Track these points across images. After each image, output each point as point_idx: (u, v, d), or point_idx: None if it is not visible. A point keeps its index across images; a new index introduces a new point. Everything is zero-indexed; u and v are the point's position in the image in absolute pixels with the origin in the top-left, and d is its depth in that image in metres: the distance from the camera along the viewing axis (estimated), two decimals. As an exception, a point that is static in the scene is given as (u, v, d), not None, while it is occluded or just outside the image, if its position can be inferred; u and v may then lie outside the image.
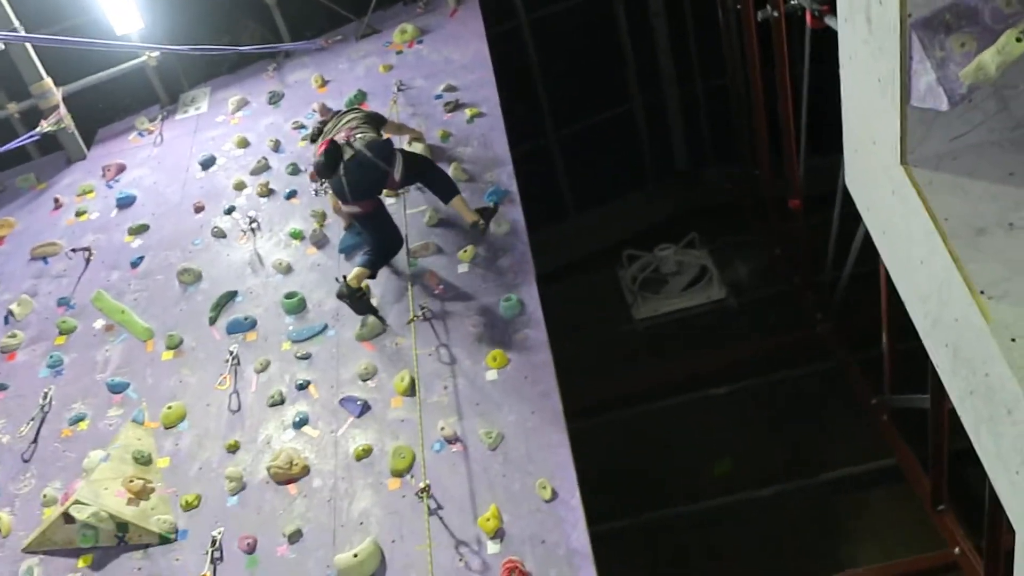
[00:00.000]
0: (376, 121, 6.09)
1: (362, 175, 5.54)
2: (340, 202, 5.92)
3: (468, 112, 7.09)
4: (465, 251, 5.88)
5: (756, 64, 7.84)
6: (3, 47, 7.33)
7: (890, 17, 3.31)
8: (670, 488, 7.38)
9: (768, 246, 9.20)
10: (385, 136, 5.96)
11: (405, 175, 5.76)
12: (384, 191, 5.95)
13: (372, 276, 5.68)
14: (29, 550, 4.90)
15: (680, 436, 7.72)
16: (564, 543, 4.21)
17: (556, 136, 10.31)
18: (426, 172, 6.05)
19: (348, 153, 5.55)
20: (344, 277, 5.60)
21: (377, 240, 5.78)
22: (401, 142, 6.66)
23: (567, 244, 10.27)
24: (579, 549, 4.17)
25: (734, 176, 10.40)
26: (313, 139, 6.20)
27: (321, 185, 6.17)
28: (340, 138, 5.69)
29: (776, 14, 6.72)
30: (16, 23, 7.44)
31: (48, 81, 7.75)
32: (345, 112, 6.18)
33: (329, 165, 5.50)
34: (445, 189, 5.96)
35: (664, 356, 8.74)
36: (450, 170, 6.48)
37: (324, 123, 6.11)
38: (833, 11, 6.16)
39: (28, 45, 7.56)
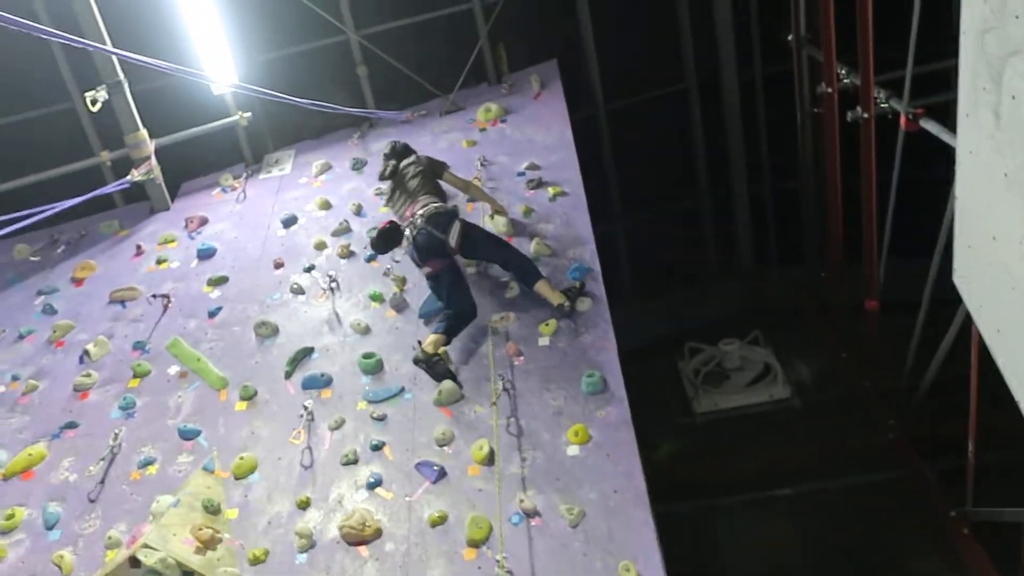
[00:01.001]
0: (434, 170, 6.67)
1: (425, 243, 5.99)
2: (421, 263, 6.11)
3: (551, 191, 7.17)
4: (547, 324, 5.86)
5: (836, 165, 7.87)
6: (107, 97, 7.56)
7: None
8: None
9: (833, 349, 9.07)
10: (449, 207, 6.28)
11: (463, 244, 6.02)
12: (456, 256, 6.13)
13: (447, 343, 5.75)
14: (90, 592, 4.81)
15: (740, 535, 7.47)
16: (649, 630, 4.04)
17: (623, 223, 10.38)
18: (497, 251, 6.23)
19: (412, 230, 6.03)
20: (420, 342, 5.67)
21: (450, 302, 5.91)
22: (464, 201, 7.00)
23: (626, 332, 10.16)
24: (664, 637, 4.00)
25: (798, 277, 10.35)
26: (382, 177, 6.87)
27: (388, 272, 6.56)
28: (407, 215, 6.20)
29: (866, 115, 6.77)
30: (120, 75, 7.72)
31: (143, 132, 7.98)
32: (408, 162, 6.66)
33: (383, 244, 6.07)
34: (526, 272, 6.08)
35: (724, 451, 8.53)
36: (532, 246, 6.53)
37: (391, 158, 6.75)
38: (929, 114, 6.28)
39: (130, 97, 7.81)
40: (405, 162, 6.74)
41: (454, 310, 5.88)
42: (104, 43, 7.54)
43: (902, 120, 6.17)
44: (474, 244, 6.12)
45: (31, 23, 3.60)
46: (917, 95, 6.47)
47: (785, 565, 7.19)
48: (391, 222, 6.10)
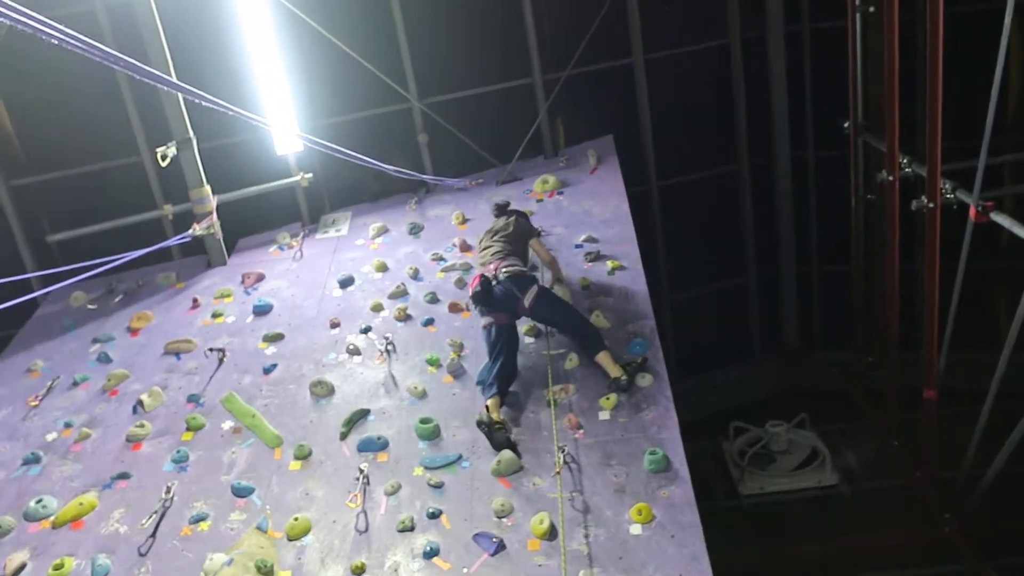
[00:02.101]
0: (526, 234, 6.86)
1: (501, 296, 6.16)
2: (480, 315, 6.30)
3: (609, 264, 7.20)
4: (607, 399, 5.80)
5: (896, 253, 7.84)
6: (176, 153, 7.74)
7: None
8: None
9: (883, 437, 8.90)
10: (529, 272, 6.48)
11: (535, 305, 6.17)
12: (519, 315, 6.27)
13: (502, 402, 5.85)
14: (139, 649, 4.71)
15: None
16: None
17: (670, 300, 10.37)
18: (565, 317, 6.29)
19: (495, 282, 6.20)
20: (487, 407, 5.65)
21: (498, 357, 6.00)
22: (542, 272, 7.08)
23: (668, 409, 10.11)
24: None
25: (844, 361, 10.25)
26: (497, 213, 7.11)
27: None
28: (489, 271, 6.26)
29: (932, 205, 6.76)
30: (191, 133, 7.91)
31: (207, 188, 8.13)
32: (505, 220, 6.85)
33: (483, 295, 6.11)
34: (590, 342, 6.13)
35: (770, 536, 8.33)
36: (591, 318, 6.52)
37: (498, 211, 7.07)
38: (998, 207, 6.26)
39: (198, 156, 7.98)
40: (505, 219, 6.91)
41: (502, 366, 5.96)
42: (178, 104, 7.76)
43: (972, 212, 6.16)
44: (545, 306, 6.26)
45: (142, 65, 3.70)
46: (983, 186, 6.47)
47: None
48: (482, 276, 6.26)
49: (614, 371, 5.92)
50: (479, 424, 5.64)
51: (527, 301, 6.16)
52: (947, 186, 6.69)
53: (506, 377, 5.97)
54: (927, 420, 7.62)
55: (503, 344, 6.05)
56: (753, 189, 10.28)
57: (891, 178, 7.64)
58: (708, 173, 10.19)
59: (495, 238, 6.67)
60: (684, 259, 10.29)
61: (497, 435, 5.56)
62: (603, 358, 6.00)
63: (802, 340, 10.98)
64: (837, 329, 10.65)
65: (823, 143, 9.96)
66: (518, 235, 6.75)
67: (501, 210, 7.11)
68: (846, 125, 8.90)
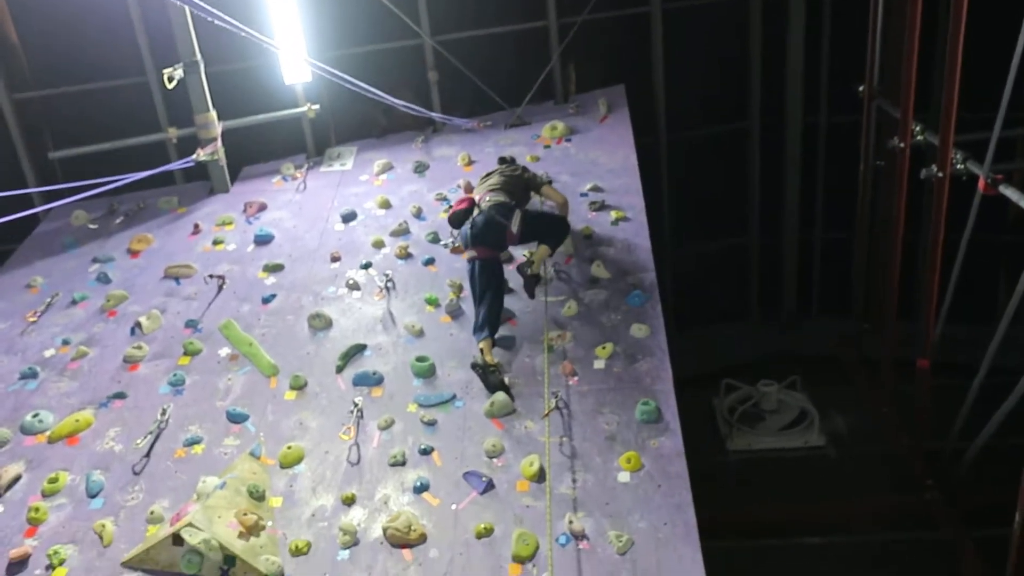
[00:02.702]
0: (530, 182, 6.78)
1: (483, 225, 6.12)
2: (463, 247, 6.30)
3: (613, 214, 7.17)
4: (603, 347, 5.84)
5: (902, 221, 7.82)
6: (183, 75, 7.65)
7: None
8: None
9: (874, 404, 8.98)
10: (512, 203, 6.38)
11: (523, 230, 6.23)
12: (508, 245, 6.38)
13: (493, 342, 5.88)
14: (129, 565, 4.79)
15: (766, 581, 7.39)
16: (695, 668, 3.98)
17: (671, 254, 10.36)
18: (550, 226, 6.45)
19: (476, 211, 6.20)
20: (481, 349, 5.68)
21: (484, 295, 6.00)
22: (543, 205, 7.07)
23: (661, 362, 10.17)
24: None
25: (841, 328, 10.28)
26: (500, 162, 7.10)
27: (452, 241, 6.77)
28: (477, 199, 6.38)
29: (940, 174, 6.72)
30: (199, 56, 7.79)
31: (213, 114, 8.04)
32: (505, 165, 6.84)
33: (461, 216, 6.26)
34: (551, 240, 6.35)
35: (755, 493, 8.45)
36: (591, 268, 6.53)
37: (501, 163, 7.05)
38: (1009, 180, 6.23)
39: (204, 80, 7.87)
40: (509, 167, 6.87)
41: (489, 307, 5.94)
42: (186, 23, 7.64)
43: (980, 184, 6.12)
44: (531, 226, 6.30)
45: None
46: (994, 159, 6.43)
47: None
48: (469, 200, 6.32)
49: (537, 263, 6.24)
50: (474, 366, 5.69)
51: (515, 227, 6.16)
52: (958, 156, 6.65)
53: (495, 317, 5.96)
54: (919, 389, 7.68)
55: (487, 282, 6.04)
56: (762, 149, 10.18)
57: (902, 145, 7.58)
58: (718, 129, 10.09)
59: (492, 176, 6.65)
60: (688, 215, 10.25)
61: (491, 377, 5.60)
62: (542, 251, 6.27)
63: (800, 304, 10.99)
64: (836, 296, 10.67)
65: (836, 107, 9.85)
66: (518, 181, 6.67)
67: (504, 161, 7.06)
68: (861, 89, 8.79)
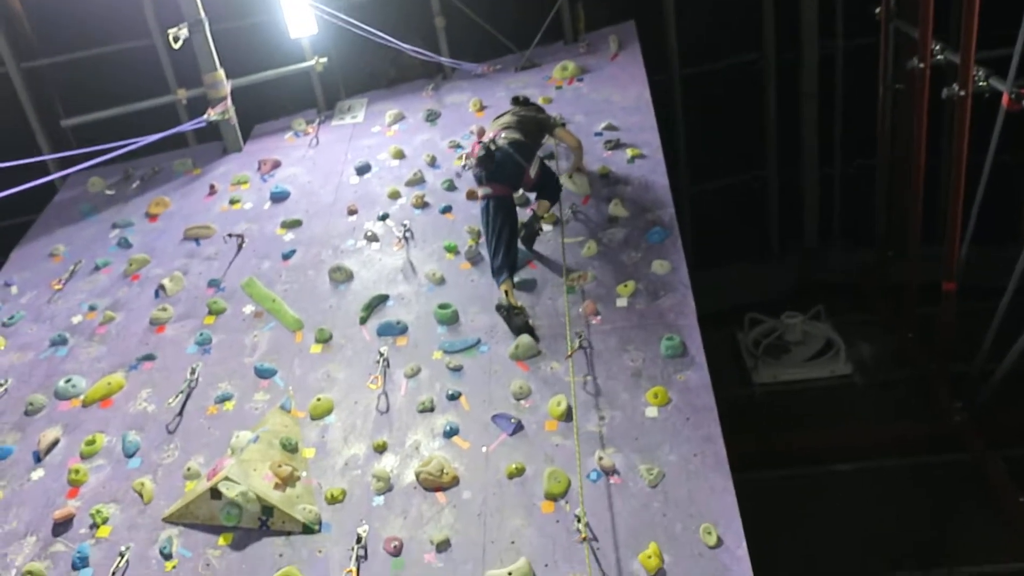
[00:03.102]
0: (544, 124, 6.58)
1: (500, 161, 5.98)
2: (476, 186, 6.15)
3: (629, 152, 7.09)
4: (625, 286, 5.82)
5: (923, 143, 7.68)
6: (188, 35, 7.58)
7: None
8: (784, 563, 7.08)
9: (899, 329, 8.94)
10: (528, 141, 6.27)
11: (539, 179, 6.18)
12: (521, 190, 6.36)
13: (513, 282, 5.92)
14: (170, 520, 4.89)
15: (797, 510, 7.42)
16: (730, 593, 4.04)
17: (688, 192, 10.27)
18: (549, 181, 6.36)
19: (493, 147, 6.00)
20: (506, 292, 5.69)
21: (500, 236, 5.96)
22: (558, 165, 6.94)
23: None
24: (746, 602, 3.99)
25: (863, 255, 10.20)
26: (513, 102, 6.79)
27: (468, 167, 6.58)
28: (487, 138, 6.20)
29: (963, 93, 6.57)
30: (203, 14, 7.72)
31: (221, 72, 7.99)
32: (519, 106, 6.64)
33: (486, 157, 5.98)
34: (548, 194, 6.32)
35: (783, 424, 8.47)
36: (609, 207, 6.50)
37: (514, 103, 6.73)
38: (1031, 94, 6.09)
39: (211, 39, 7.80)
40: (523, 107, 6.71)
41: (506, 250, 5.92)
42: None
43: (1004, 99, 5.98)
44: (543, 185, 6.25)
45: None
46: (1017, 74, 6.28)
47: (840, 540, 7.14)
48: (481, 143, 6.11)
49: (541, 210, 6.23)
50: (498, 308, 5.70)
51: (532, 172, 6.09)
52: (980, 73, 6.49)
53: (513, 257, 5.97)
54: (944, 312, 7.62)
55: (503, 220, 5.98)
56: (778, 79, 9.99)
57: (922, 65, 7.41)
58: (732, 61, 9.90)
59: (505, 116, 6.51)
60: (704, 150, 10.13)
61: (516, 319, 5.62)
62: (544, 205, 6.26)
63: (821, 236, 10.89)
64: (856, 225, 10.56)
65: (852, 31, 9.63)
66: (533, 121, 6.52)
67: (518, 101, 6.89)
68: (877, 11, 8.58)
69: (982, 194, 6.89)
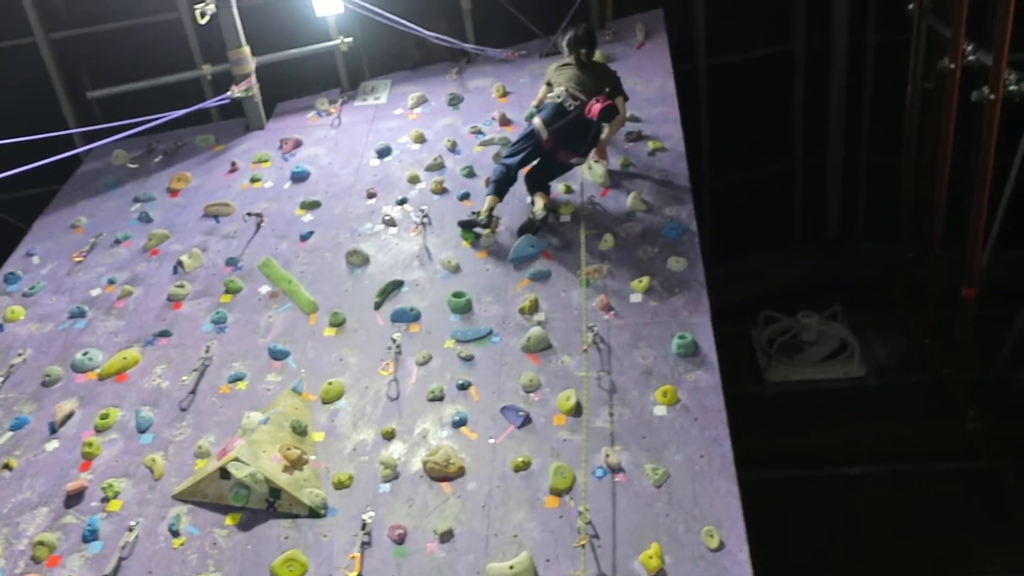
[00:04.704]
0: (612, 86, 6.53)
1: (570, 129, 6.27)
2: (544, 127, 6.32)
3: (650, 145, 7.05)
4: (640, 281, 5.80)
5: (950, 144, 7.58)
6: (215, 10, 7.58)
7: None
8: (790, 566, 7.08)
9: (917, 332, 8.86)
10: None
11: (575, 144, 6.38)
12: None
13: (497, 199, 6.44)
14: (180, 497, 4.96)
15: (806, 510, 7.40)
16: (730, 598, 4.05)
17: (711, 183, 10.19)
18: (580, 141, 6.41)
19: (571, 104, 6.25)
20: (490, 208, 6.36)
21: (524, 155, 6.41)
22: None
23: (701, 292, 10.12)
24: (746, 606, 4.01)
25: (885, 254, 10.10)
26: (570, 45, 6.66)
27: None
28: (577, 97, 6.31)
29: (992, 96, 6.47)
30: (230, -9, 7.72)
31: (246, 49, 7.99)
32: (587, 55, 6.59)
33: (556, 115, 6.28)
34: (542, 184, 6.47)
35: (792, 424, 8.44)
36: (628, 200, 6.48)
37: (584, 44, 6.57)
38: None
39: (237, 15, 7.79)
40: (601, 65, 6.86)
41: (511, 171, 6.40)
42: (216, -44, 7.55)
43: (1034, 104, 5.90)
44: (567, 140, 6.32)
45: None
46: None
47: (849, 543, 7.12)
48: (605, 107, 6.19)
49: (539, 207, 6.31)
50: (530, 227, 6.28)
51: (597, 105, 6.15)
52: (1011, 77, 6.39)
53: (508, 182, 6.43)
54: (963, 318, 7.55)
55: (531, 151, 6.35)
56: (807, 72, 9.88)
57: (953, 66, 7.29)
58: (761, 52, 9.78)
59: (582, 72, 6.47)
60: (729, 141, 10.03)
61: (476, 223, 6.32)
62: (540, 195, 6.40)
63: (844, 230, 10.79)
64: (880, 222, 10.45)
65: (885, 26, 9.48)
66: (605, 82, 6.48)
67: (590, 44, 6.59)
68: (910, 7, 8.44)
69: (1007, 199, 6.79)
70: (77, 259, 6.99)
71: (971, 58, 7.23)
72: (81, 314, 6.41)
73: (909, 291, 9.36)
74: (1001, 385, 7.14)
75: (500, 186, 6.44)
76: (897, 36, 9.06)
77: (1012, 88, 6.34)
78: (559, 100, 6.26)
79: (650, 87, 7.83)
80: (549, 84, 6.61)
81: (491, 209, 6.37)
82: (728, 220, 10.46)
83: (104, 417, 5.52)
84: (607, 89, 6.43)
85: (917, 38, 8.43)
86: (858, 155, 10.33)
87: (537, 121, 6.33)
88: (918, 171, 9.17)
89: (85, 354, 6.00)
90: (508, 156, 6.49)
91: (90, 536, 4.81)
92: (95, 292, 6.63)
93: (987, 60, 6.78)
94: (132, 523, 4.82)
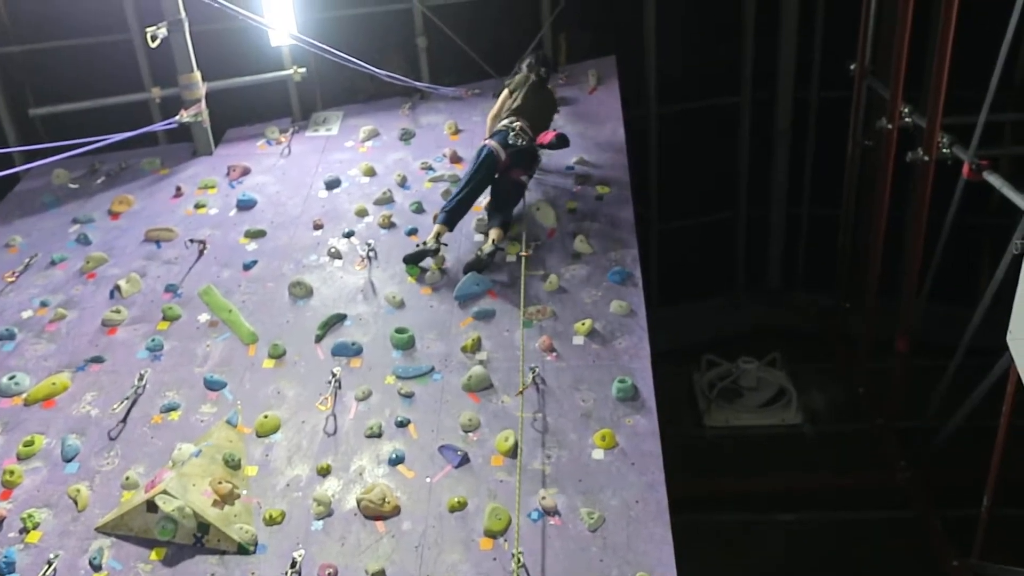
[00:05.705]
0: (551, 108, 7.32)
1: (524, 149, 6.69)
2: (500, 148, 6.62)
3: (599, 189, 7.15)
4: (583, 324, 5.83)
5: (886, 202, 7.83)
6: (167, 34, 7.52)
7: None
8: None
9: (852, 382, 9.06)
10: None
11: (524, 165, 6.74)
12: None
13: (449, 228, 6.55)
14: (103, 530, 4.79)
15: (741, 556, 7.48)
16: (660, 646, 4.05)
17: (657, 228, 10.36)
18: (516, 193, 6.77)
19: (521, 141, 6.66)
20: (437, 234, 6.47)
21: (474, 184, 6.60)
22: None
23: (643, 335, 10.25)
24: (674, 655, 4.00)
25: (824, 305, 10.34)
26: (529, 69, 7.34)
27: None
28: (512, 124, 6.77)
29: (927, 158, 6.71)
30: (183, 14, 7.66)
31: (197, 74, 7.92)
32: (540, 78, 7.23)
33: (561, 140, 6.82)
34: (501, 217, 6.58)
35: (730, 469, 8.54)
36: (574, 243, 6.52)
37: (541, 66, 7.34)
38: (993, 167, 6.23)
39: (190, 40, 7.74)
40: (546, 91, 7.34)
41: (466, 199, 6.55)
42: (171, -19, 7.50)
43: (964, 169, 6.12)
44: (519, 160, 6.66)
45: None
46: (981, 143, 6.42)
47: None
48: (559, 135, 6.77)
49: (488, 244, 6.39)
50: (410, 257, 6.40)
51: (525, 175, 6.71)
52: (944, 140, 6.64)
53: (461, 212, 6.54)
54: (896, 370, 7.74)
55: (483, 178, 6.56)
56: (752, 124, 10.16)
57: (890, 127, 7.56)
58: (708, 103, 10.03)
59: (527, 97, 6.98)
60: (675, 188, 10.23)
61: (423, 255, 6.35)
62: (495, 231, 6.46)
63: (784, 280, 11.04)
64: (820, 272, 10.72)
65: (828, 83, 9.81)
66: (550, 108, 7.27)
67: (539, 64, 7.32)
68: (852, 67, 8.74)
69: (940, 255, 7.02)
70: (9, 279, 6.79)
71: (907, 120, 7.50)
72: (10, 336, 6.21)
73: (845, 341, 9.58)
74: (930, 435, 7.31)
75: (451, 216, 6.51)
76: (840, 93, 9.37)
77: (945, 151, 6.58)
78: (510, 133, 6.63)
79: (601, 132, 7.96)
80: (511, 92, 7.15)
81: (439, 236, 6.43)
82: (674, 265, 10.65)
83: (28, 444, 5.33)
84: (551, 124, 6.99)
85: (858, 97, 8.73)
86: (800, 207, 10.61)
87: (492, 143, 6.60)
88: (856, 225, 9.44)
89: (12, 378, 5.81)
90: (460, 188, 6.60)
91: (6, 569, 4.62)
92: (26, 314, 6.43)
93: (922, 122, 7.04)
94: (52, 556, 4.65)
